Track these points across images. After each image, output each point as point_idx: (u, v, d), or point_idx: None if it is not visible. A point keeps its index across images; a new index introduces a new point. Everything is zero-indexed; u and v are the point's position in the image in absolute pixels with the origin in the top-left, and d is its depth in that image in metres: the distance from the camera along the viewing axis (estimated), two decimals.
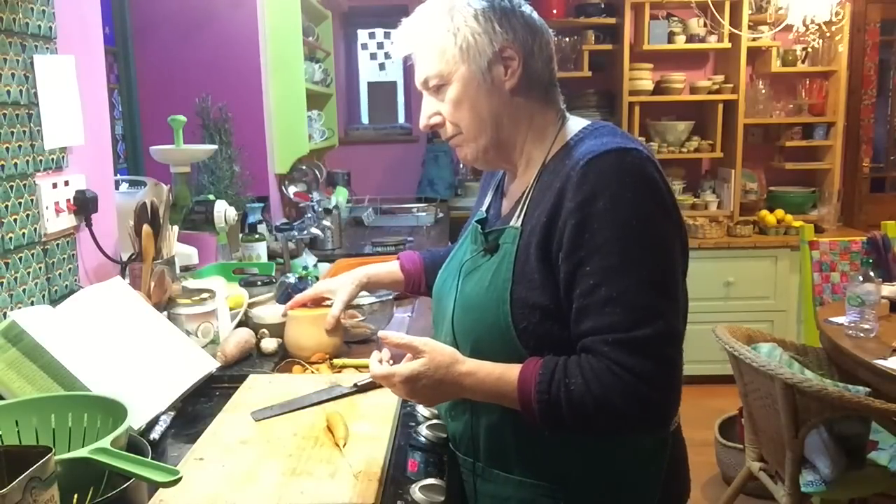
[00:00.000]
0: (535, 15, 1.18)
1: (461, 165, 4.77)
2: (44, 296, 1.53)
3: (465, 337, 1.18)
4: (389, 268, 1.59)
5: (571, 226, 1.04)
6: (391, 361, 1.15)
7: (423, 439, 1.25)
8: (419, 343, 1.11)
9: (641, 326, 1.01)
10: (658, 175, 1.07)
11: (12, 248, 1.44)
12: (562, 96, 1.21)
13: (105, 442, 0.91)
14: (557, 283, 1.07)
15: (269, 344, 1.69)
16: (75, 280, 1.66)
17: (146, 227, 1.70)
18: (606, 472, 1.15)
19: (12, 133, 1.45)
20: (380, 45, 5.54)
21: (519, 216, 1.15)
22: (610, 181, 1.03)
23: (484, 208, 1.29)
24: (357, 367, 1.57)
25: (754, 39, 4.30)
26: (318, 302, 1.63)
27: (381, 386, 1.35)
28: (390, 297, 1.97)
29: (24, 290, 1.47)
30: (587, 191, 1.03)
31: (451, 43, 1.14)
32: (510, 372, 1.07)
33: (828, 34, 3.86)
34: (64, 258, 1.61)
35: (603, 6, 4.45)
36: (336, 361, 1.60)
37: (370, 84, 5.53)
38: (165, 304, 1.63)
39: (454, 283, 1.23)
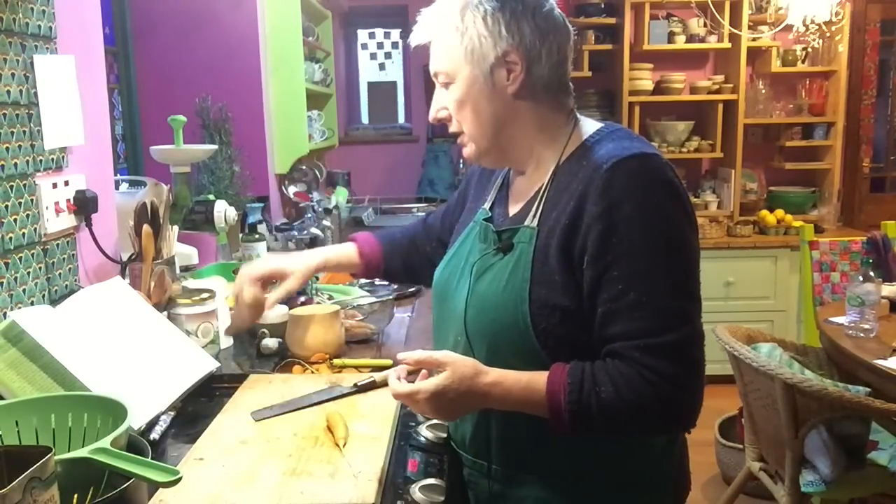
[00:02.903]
0: (554, 15, 1.14)
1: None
2: (44, 296, 1.53)
3: (480, 337, 1.16)
4: (346, 251, 1.51)
5: (597, 231, 1.04)
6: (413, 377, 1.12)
7: (423, 439, 1.25)
8: (440, 356, 1.09)
9: (671, 331, 1.03)
10: (678, 180, 1.08)
11: (12, 248, 1.44)
12: (573, 97, 1.20)
13: (105, 442, 0.91)
14: (579, 286, 1.07)
15: (269, 344, 1.69)
16: (75, 280, 1.66)
17: (146, 227, 1.70)
18: (621, 469, 1.16)
19: (12, 133, 1.45)
20: (380, 45, 5.54)
21: (534, 216, 1.14)
22: (635, 187, 1.04)
23: (488, 206, 1.27)
24: (357, 367, 1.58)
25: (754, 39, 4.30)
26: (269, 281, 1.47)
27: (380, 386, 1.36)
28: (390, 297, 1.98)
29: (24, 290, 1.47)
30: (613, 196, 1.04)
31: (458, 43, 1.13)
32: (537, 380, 1.07)
33: (828, 34, 3.86)
34: (64, 258, 1.61)
35: (603, 6, 4.45)
36: (336, 361, 1.60)
37: (370, 84, 5.53)
38: (165, 304, 1.63)
39: (464, 283, 1.20)
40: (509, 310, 1.11)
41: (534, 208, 1.15)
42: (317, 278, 2.28)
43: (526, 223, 1.15)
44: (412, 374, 1.12)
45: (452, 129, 1.20)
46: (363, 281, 2.37)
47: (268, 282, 1.47)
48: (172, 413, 1.34)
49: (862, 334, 2.56)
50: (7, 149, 1.43)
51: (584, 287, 1.07)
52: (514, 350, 1.11)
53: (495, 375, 1.08)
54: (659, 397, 1.03)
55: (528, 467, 1.18)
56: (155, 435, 1.26)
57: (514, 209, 1.21)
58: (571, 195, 1.09)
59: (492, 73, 1.13)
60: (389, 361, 1.57)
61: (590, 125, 1.18)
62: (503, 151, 1.20)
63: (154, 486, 0.96)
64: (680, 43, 4.43)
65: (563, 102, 1.18)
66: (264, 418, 1.29)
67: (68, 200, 1.61)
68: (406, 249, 1.52)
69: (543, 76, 1.14)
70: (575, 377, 1.05)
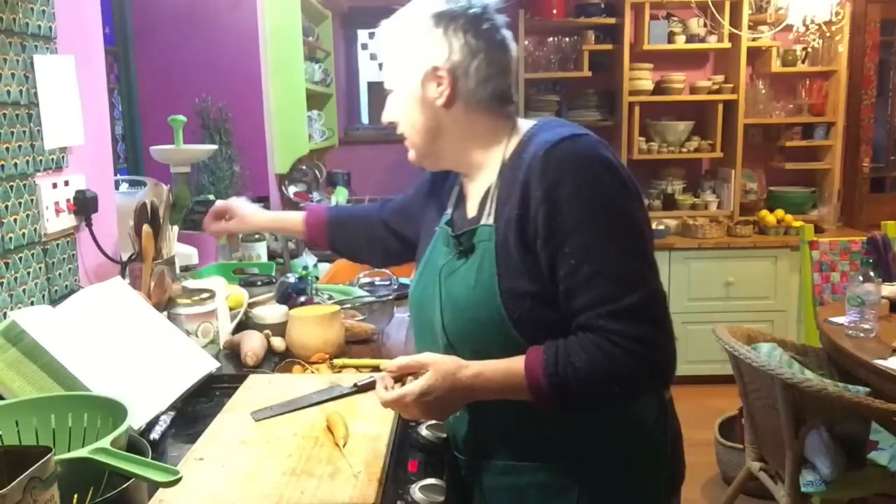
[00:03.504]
0: (491, 33, 1.19)
1: None
2: (44, 296, 1.53)
3: (461, 338, 1.20)
4: (294, 217, 1.66)
5: (543, 213, 1.10)
6: (397, 385, 1.16)
7: (423, 439, 1.25)
8: (421, 358, 1.14)
9: (629, 293, 1.07)
10: (611, 154, 1.14)
11: (12, 248, 1.44)
12: (514, 105, 1.25)
13: (105, 442, 0.91)
14: (542, 270, 1.12)
15: (276, 343, 1.69)
16: (75, 280, 1.66)
17: (146, 227, 1.70)
18: (616, 444, 1.19)
19: (12, 133, 1.45)
20: None
21: (490, 214, 1.19)
22: (570, 165, 1.10)
23: (449, 211, 1.32)
24: (357, 367, 1.58)
25: (754, 39, 4.30)
26: (222, 214, 1.68)
27: None
28: (390, 297, 1.98)
29: (24, 290, 1.47)
30: (551, 178, 1.10)
31: (397, 55, 1.24)
32: (515, 364, 1.11)
33: (828, 34, 3.86)
34: (64, 258, 1.61)
35: (603, 6, 4.45)
36: (336, 361, 1.60)
37: (370, 84, 5.52)
38: (165, 304, 1.63)
39: (435, 290, 1.24)
40: (483, 306, 1.15)
41: (488, 206, 1.20)
42: (316, 278, 2.28)
43: (483, 222, 1.20)
44: (398, 382, 1.15)
45: (398, 131, 1.29)
46: (363, 281, 2.37)
47: (222, 216, 1.69)
48: (172, 413, 1.34)
49: (862, 334, 2.56)
50: (7, 149, 1.43)
51: (544, 269, 1.12)
52: (496, 345, 1.15)
53: (476, 367, 1.12)
54: (631, 358, 1.07)
55: (527, 456, 1.21)
56: (155, 435, 1.26)
57: (471, 211, 1.26)
58: (517, 187, 1.14)
59: (422, 84, 1.20)
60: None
61: (526, 123, 1.25)
62: (440, 156, 1.27)
63: (154, 486, 0.96)
64: (680, 43, 4.43)
65: (499, 110, 1.23)
66: (264, 418, 1.29)
67: (68, 200, 1.61)
68: (353, 229, 1.61)
69: (471, 90, 1.19)
70: (549, 353, 1.09)
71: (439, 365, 1.11)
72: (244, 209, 1.68)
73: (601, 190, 1.10)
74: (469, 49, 1.17)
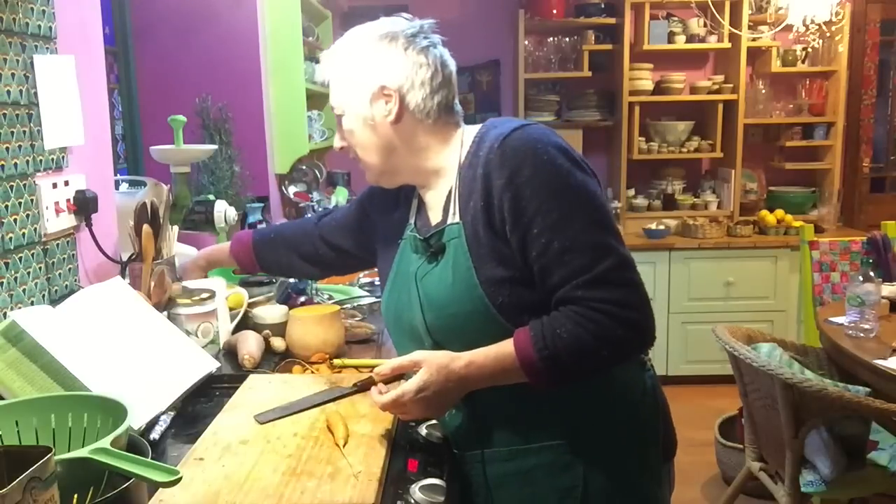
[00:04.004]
0: (429, 51, 1.22)
1: None
2: (44, 296, 1.53)
3: (447, 335, 1.22)
4: (222, 250, 1.74)
5: (508, 199, 1.14)
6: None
7: (423, 439, 1.25)
8: (413, 356, 1.18)
9: (601, 261, 1.13)
10: (560, 139, 1.20)
11: (12, 248, 1.44)
12: (458, 114, 1.28)
13: (105, 442, 0.91)
14: (514, 254, 1.16)
15: (276, 343, 1.69)
16: (75, 280, 1.66)
17: (146, 227, 1.70)
18: (611, 416, 1.24)
19: (12, 133, 1.45)
20: None
21: (455, 213, 1.22)
22: (525, 152, 1.15)
23: (412, 221, 1.33)
24: (357, 367, 1.58)
25: (754, 39, 4.31)
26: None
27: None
28: None
29: (24, 290, 1.47)
30: (510, 166, 1.15)
31: (344, 77, 1.25)
32: (505, 347, 1.15)
33: (828, 34, 3.86)
34: (64, 258, 1.61)
35: (603, 6, 4.45)
36: (336, 361, 1.60)
37: None
38: (165, 304, 1.63)
39: (413, 295, 1.26)
40: (466, 299, 1.18)
41: (451, 207, 1.23)
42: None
43: (449, 222, 1.23)
44: (393, 384, 1.18)
45: (351, 155, 1.31)
46: (363, 281, 2.38)
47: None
48: (172, 413, 1.34)
49: (862, 334, 2.56)
50: (7, 149, 1.43)
51: (516, 254, 1.16)
52: (484, 335, 1.18)
53: (467, 356, 1.16)
54: (613, 320, 1.12)
55: (530, 438, 1.23)
56: (155, 435, 1.26)
57: (434, 218, 1.29)
58: (478, 181, 1.19)
59: (371, 103, 1.23)
60: None
61: (474, 127, 1.29)
62: (395, 172, 1.30)
63: (154, 486, 0.96)
64: (680, 43, 4.43)
65: (446, 120, 1.26)
66: (268, 421, 1.28)
67: (68, 200, 1.61)
68: (282, 248, 1.64)
69: (419, 103, 1.23)
70: (536, 330, 1.14)
71: (431, 360, 1.15)
72: (180, 274, 1.76)
73: (559, 171, 1.15)
74: (412, 65, 1.21)
